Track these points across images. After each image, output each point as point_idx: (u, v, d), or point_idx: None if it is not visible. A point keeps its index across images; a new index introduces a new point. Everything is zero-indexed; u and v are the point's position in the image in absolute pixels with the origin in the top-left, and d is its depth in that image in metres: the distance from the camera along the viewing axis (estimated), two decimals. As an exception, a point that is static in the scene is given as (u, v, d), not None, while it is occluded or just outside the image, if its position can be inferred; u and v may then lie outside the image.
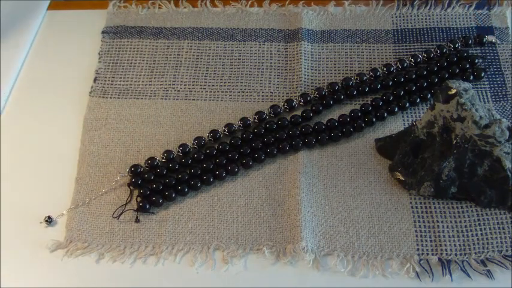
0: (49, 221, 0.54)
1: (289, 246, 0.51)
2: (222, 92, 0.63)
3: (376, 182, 0.56)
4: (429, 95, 0.61)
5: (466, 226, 0.52)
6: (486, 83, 0.62)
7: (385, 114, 0.60)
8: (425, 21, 0.68)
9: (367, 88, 0.62)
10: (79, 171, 0.58)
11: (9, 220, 0.54)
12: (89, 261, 0.52)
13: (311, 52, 0.66)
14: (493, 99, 0.61)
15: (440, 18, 0.68)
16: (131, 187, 0.55)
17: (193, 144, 0.58)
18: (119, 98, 0.63)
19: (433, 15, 0.68)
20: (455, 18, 0.68)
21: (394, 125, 0.60)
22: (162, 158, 0.57)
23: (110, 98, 0.63)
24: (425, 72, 0.62)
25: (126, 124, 0.61)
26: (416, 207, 0.53)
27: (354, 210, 0.54)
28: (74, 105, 0.63)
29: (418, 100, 0.61)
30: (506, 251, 0.50)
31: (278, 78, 0.64)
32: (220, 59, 0.66)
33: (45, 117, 0.63)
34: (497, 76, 0.63)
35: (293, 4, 0.72)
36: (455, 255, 0.50)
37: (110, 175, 0.57)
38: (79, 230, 0.53)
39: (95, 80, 0.65)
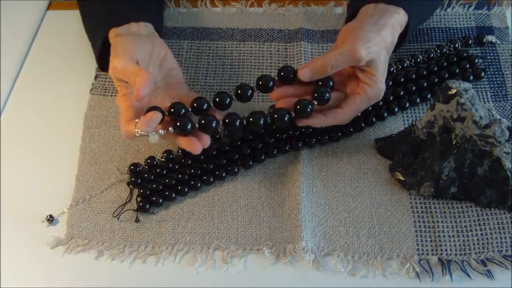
0: (50, 219, 0.54)
1: (289, 246, 0.51)
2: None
3: (376, 182, 0.56)
4: (429, 95, 0.61)
5: (466, 226, 0.52)
6: (486, 83, 0.62)
7: (385, 114, 0.60)
8: (425, 21, 0.68)
9: (367, 88, 0.62)
10: (79, 168, 0.58)
11: (10, 218, 0.55)
12: (89, 261, 0.52)
13: (311, 52, 0.66)
14: (493, 99, 0.61)
15: (440, 18, 0.68)
16: (131, 186, 0.56)
17: (193, 144, 0.58)
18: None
19: (433, 15, 0.68)
20: (455, 18, 0.69)
21: (394, 125, 0.60)
22: (162, 157, 0.57)
23: (111, 95, 0.63)
24: (425, 72, 0.62)
25: (126, 123, 0.61)
26: (416, 207, 0.53)
27: (354, 210, 0.54)
28: (74, 103, 0.63)
29: (418, 100, 0.61)
30: (506, 251, 0.50)
31: (278, 78, 0.64)
32: (220, 59, 0.67)
33: (46, 115, 0.63)
34: (497, 76, 0.63)
35: (293, 4, 0.72)
36: (455, 255, 0.50)
37: (110, 173, 0.57)
38: (79, 227, 0.54)
39: (95, 77, 0.65)
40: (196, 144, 0.49)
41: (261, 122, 0.51)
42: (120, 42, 0.54)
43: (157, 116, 0.48)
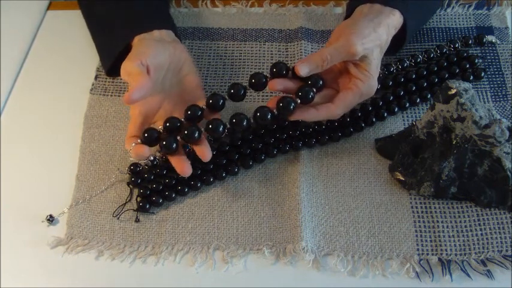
0: (51, 219, 0.54)
1: (289, 246, 0.51)
2: (223, 92, 0.63)
3: (376, 182, 0.56)
4: (429, 95, 0.61)
5: (466, 226, 0.52)
6: (486, 83, 0.62)
7: (385, 114, 0.60)
8: (426, 23, 0.68)
9: (367, 88, 0.62)
10: (79, 168, 0.58)
11: (10, 218, 0.55)
12: (89, 261, 0.52)
13: (311, 52, 0.66)
14: (493, 99, 0.61)
15: (440, 18, 0.68)
16: (131, 186, 0.56)
17: (193, 144, 0.58)
18: (119, 96, 0.63)
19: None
20: (455, 18, 0.69)
21: (394, 125, 0.60)
22: (162, 157, 0.57)
23: (111, 95, 0.64)
24: (425, 72, 0.62)
25: (126, 122, 0.61)
26: (416, 207, 0.53)
27: (354, 210, 0.54)
28: (74, 103, 0.63)
29: (418, 100, 0.61)
30: (506, 251, 0.50)
31: (278, 78, 0.64)
32: (221, 59, 0.67)
33: (46, 115, 0.63)
34: (497, 76, 0.63)
35: (293, 4, 0.72)
36: (455, 255, 0.50)
37: (110, 172, 0.57)
38: (79, 227, 0.54)
39: (95, 77, 0.65)
40: (186, 167, 0.50)
41: (244, 123, 0.51)
42: (138, 46, 0.55)
43: (144, 152, 0.49)
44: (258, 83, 0.53)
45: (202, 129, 0.51)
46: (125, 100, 0.48)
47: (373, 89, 0.54)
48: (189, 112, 0.52)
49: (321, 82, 0.53)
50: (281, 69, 0.53)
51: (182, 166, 0.50)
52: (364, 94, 0.54)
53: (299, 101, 0.52)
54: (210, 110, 0.53)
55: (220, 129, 0.51)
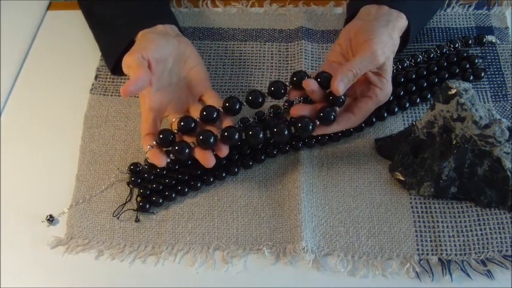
0: (50, 219, 0.54)
1: (289, 246, 0.51)
2: (223, 92, 0.63)
3: (376, 182, 0.56)
4: (429, 95, 0.61)
5: (466, 226, 0.52)
6: (486, 83, 0.62)
7: (385, 114, 0.60)
8: (426, 25, 0.68)
9: (367, 88, 0.62)
10: (79, 168, 0.58)
11: (10, 218, 0.55)
12: (89, 261, 0.52)
13: (311, 52, 0.66)
14: (493, 99, 0.61)
15: (440, 18, 0.68)
16: (131, 186, 0.56)
17: (193, 144, 0.58)
18: (119, 95, 0.63)
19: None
20: (455, 18, 0.69)
21: (394, 125, 0.60)
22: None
23: (111, 95, 0.64)
24: (425, 72, 0.62)
25: (126, 122, 0.61)
26: (416, 207, 0.53)
27: (354, 210, 0.54)
28: (74, 103, 0.63)
29: (418, 100, 0.61)
30: (506, 251, 0.50)
31: (279, 78, 0.64)
32: (221, 59, 0.67)
33: (46, 115, 0.63)
34: (497, 76, 0.63)
35: (293, 4, 0.72)
36: (455, 255, 0.50)
37: (111, 172, 0.57)
38: (80, 226, 0.54)
39: (96, 77, 0.65)
40: (210, 159, 0.50)
41: (260, 135, 0.52)
42: (140, 41, 0.55)
43: (161, 162, 0.50)
44: (277, 91, 0.53)
45: (218, 135, 0.51)
46: (121, 92, 0.48)
47: (388, 95, 0.55)
48: (204, 113, 0.52)
49: (343, 97, 0.53)
50: (301, 79, 0.52)
51: (206, 158, 0.50)
52: (381, 101, 0.55)
53: (318, 123, 0.52)
54: (226, 113, 0.53)
55: (236, 137, 0.51)
